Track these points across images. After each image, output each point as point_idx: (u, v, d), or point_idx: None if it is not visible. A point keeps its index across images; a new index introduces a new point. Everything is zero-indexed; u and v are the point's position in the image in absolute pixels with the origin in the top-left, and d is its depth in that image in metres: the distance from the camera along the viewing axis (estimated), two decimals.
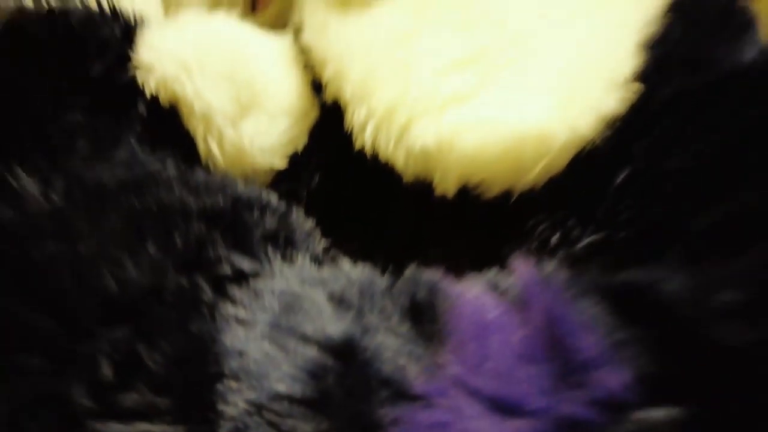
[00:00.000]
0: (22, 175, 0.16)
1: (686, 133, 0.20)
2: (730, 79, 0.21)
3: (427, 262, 0.21)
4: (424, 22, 0.21)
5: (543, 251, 0.20)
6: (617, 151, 0.20)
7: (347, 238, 0.22)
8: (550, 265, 0.18)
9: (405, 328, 0.14)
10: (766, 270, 0.15)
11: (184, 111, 0.22)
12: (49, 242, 0.15)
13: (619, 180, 0.20)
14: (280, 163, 0.24)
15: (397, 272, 0.20)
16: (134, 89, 0.22)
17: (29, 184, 0.16)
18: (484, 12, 0.21)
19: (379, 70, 0.21)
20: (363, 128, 0.21)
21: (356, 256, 0.21)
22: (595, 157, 0.20)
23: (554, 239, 0.20)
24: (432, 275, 0.17)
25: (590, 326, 0.14)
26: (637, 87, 0.20)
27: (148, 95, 0.22)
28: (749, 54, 0.23)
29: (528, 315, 0.14)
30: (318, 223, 0.22)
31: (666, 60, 0.21)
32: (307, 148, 0.24)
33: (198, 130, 0.22)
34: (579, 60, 0.20)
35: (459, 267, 0.21)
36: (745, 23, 0.24)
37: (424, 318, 0.15)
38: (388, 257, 0.21)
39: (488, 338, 0.15)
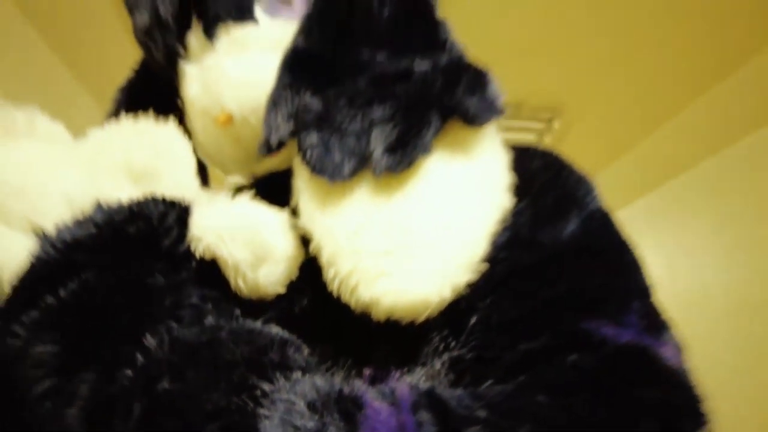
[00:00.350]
0: (148, 336, 0.31)
1: (510, 298, 0.34)
2: (547, 259, 0.35)
3: (371, 361, 0.36)
4: (367, 220, 0.35)
5: (434, 355, 0.35)
6: (471, 304, 0.35)
7: (324, 342, 0.37)
8: (421, 376, 0.34)
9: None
10: (520, 393, 0.30)
11: (222, 264, 0.36)
12: (167, 379, 0.30)
13: (471, 322, 0.34)
14: (281, 289, 0.38)
15: (352, 370, 0.35)
16: (190, 254, 0.36)
17: (149, 341, 0.31)
18: (398, 219, 0.35)
19: (340, 251, 0.35)
20: (332, 280, 0.36)
21: (328, 358, 0.36)
22: (460, 306, 0.35)
23: (440, 349, 0.35)
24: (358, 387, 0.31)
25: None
26: (484, 265, 0.34)
27: (198, 257, 0.37)
28: (570, 227, 0.37)
29: (401, 417, 0.29)
30: (304, 331, 0.36)
31: (506, 244, 0.35)
32: (298, 278, 0.39)
33: (230, 276, 0.37)
34: (454, 248, 0.34)
35: (389, 364, 0.36)
36: (572, 200, 0.38)
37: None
38: (348, 358, 0.36)
39: None
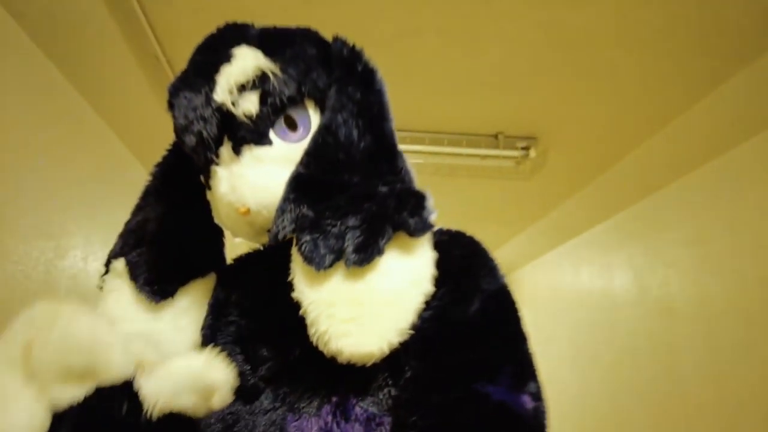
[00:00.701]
0: None
1: (429, 361, 0.52)
2: (454, 332, 0.52)
3: (337, 391, 0.53)
4: (338, 297, 0.52)
5: (378, 390, 0.53)
6: (404, 359, 0.52)
7: (307, 378, 0.54)
8: (369, 403, 0.52)
9: None
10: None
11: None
12: None
13: (407, 375, 0.52)
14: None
15: (325, 397, 0.53)
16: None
17: None
18: (358, 297, 0.52)
19: (319, 317, 0.52)
20: (313, 336, 0.52)
21: (310, 389, 0.53)
22: (397, 358, 0.52)
23: (382, 385, 0.53)
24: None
25: None
26: (411, 332, 0.52)
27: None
28: (473, 308, 0.54)
29: None
30: (296, 372, 0.54)
31: (428, 319, 0.53)
32: (293, 337, 0.56)
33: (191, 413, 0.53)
34: (393, 320, 0.52)
35: (348, 393, 0.54)
36: (476, 287, 0.55)
37: None
38: (322, 389, 0.54)
39: None
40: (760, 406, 1.72)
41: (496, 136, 1.97)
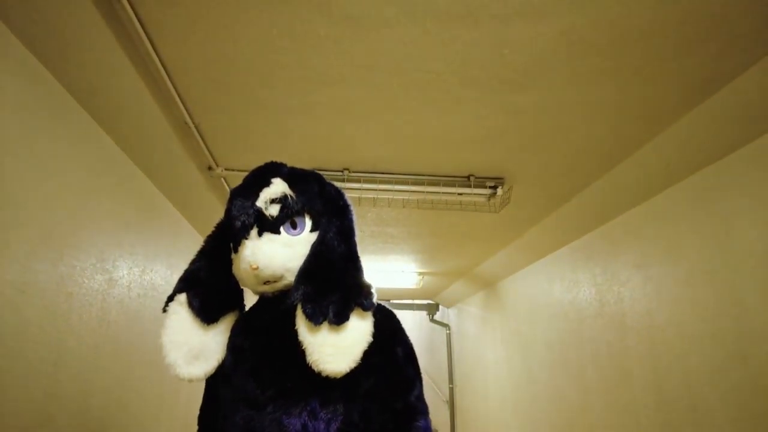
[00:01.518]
0: None
1: (375, 383, 0.90)
2: (388, 364, 0.91)
3: (318, 395, 0.89)
4: (324, 341, 0.87)
5: (345, 396, 0.89)
6: (359, 377, 0.89)
7: (299, 386, 0.90)
8: (339, 405, 0.89)
9: None
10: None
11: None
12: None
13: (362, 388, 0.88)
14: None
15: (309, 399, 0.90)
16: None
17: None
18: (335, 342, 0.88)
19: (313, 350, 0.87)
20: (309, 360, 0.88)
21: (301, 394, 0.89)
22: (355, 374, 0.88)
23: (347, 392, 0.89)
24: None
25: None
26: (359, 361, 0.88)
27: None
28: (399, 353, 0.94)
29: None
30: (295, 384, 0.90)
31: (369, 354, 0.89)
32: (297, 363, 0.92)
33: None
34: (352, 355, 0.88)
35: (324, 399, 0.90)
36: (399, 341, 0.95)
37: None
38: (307, 395, 0.90)
39: None
40: (689, 406, 2.07)
41: (468, 178, 2.32)
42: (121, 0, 1.31)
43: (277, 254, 0.94)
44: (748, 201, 1.82)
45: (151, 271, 2.26)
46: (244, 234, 0.95)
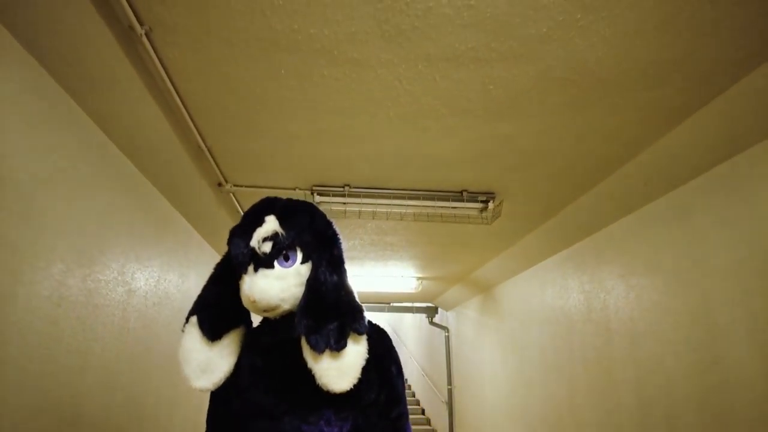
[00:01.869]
0: None
1: (377, 395, 1.06)
2: (384, 379, 1.09)
3: (330, 407, 1.05)
4: (328, 364, 1.03)
5: (351, 407, 1.05)
6: (360, 393, 1.05)
7: (313, 401, 1.06)
8: (348, 414, 1.04)
9: None
10: None
11: None
12: None
13: (366, 400, 1.05)
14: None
15: (321, 411, 1.06)
16: None
17: None
18: (338, 365, 1.03)
19: (319, 371, 1.03)
20: (318, 382, 1.04)
21: (315, 406, 1.05)
22: (359, 390, 1.03)
23: (354, 403, 1.05)
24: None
25: None
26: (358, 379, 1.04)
27: None
28: (393, 370, 1.11)
29: None
30: (308, 400, 1.06)
31: (367, 370, 1.05)
32: (307, 381, 1.08)
33: None
34: (352, 374, 1.04)
35: (334, 410, 1.06)
36: (391, 359, 1.12)
37: None
38: (321, 408, 1.05)
39: None
40: (665, 409, 2.23)
41: (461, 193, 2.48)
42: (143, 43, 1.47)
43: (272, 287, 1.06)
44: (718, 219, 1.98)
45: (165, 280, 2.42)
46: (242, 270, 1.09)
